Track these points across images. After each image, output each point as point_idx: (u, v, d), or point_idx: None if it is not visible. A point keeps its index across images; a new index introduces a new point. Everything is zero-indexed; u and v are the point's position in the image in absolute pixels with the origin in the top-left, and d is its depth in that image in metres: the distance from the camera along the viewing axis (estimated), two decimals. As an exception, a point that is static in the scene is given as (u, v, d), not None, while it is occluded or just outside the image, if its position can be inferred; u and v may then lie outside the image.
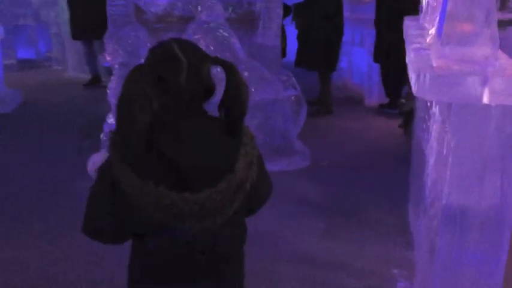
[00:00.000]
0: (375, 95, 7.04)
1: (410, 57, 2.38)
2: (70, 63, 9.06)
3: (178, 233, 1.55)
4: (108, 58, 4.11)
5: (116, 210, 1.56)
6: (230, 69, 1.57)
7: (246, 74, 4.37)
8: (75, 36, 7.88)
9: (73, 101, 7.33)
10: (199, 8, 4.35)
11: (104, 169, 1.57)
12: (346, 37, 7.08)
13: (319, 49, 6.37)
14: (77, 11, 7.63)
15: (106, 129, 4.37)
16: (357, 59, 7.87)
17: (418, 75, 1.97)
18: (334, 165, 4.92)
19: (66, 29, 8.88)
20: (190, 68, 1.53)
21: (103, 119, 4.70)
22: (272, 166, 4.67)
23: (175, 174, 1.51)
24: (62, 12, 8.91)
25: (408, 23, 3.46)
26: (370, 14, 6.71)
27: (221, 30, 4.28)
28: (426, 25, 2.95)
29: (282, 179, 4.55)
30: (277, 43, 5.02)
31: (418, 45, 2.49)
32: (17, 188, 4.36)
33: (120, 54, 4.18)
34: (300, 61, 6.62)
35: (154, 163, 1.50)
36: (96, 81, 7.94)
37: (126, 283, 1.73)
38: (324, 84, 6.64)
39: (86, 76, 8.19)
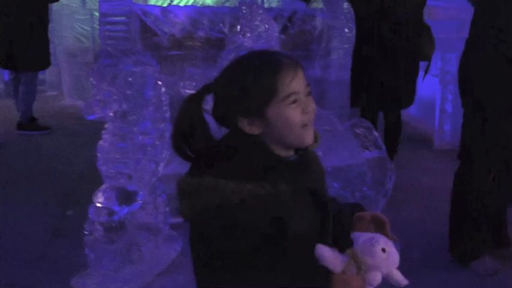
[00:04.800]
0: (448, 135, 5.48)
1: None
2: (66, 88, 7.57)
3: None
4: (94, 107, 2.57)
5: None
6: None
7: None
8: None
9: (62, 145, 5.55)
10: (238, 27, 2.84)
11: None
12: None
13: None
14: (4, 32, 5.75)
15: (92, 214, 2.82)
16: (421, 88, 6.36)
17: None
18: (427, 255, 3.39)
19: (61, 48, 7.50)
20: None
21: (92, 183, 3.15)
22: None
23: None
24: (58, 27, 7.52)
25: None
26: (446, 33, 5.20)
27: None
28: None
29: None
30: (345, 77, 3.50)
31: None
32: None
33: (116, 99, 2.67)
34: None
35: None
36: (32, 123, 6.03)
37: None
38: None
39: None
